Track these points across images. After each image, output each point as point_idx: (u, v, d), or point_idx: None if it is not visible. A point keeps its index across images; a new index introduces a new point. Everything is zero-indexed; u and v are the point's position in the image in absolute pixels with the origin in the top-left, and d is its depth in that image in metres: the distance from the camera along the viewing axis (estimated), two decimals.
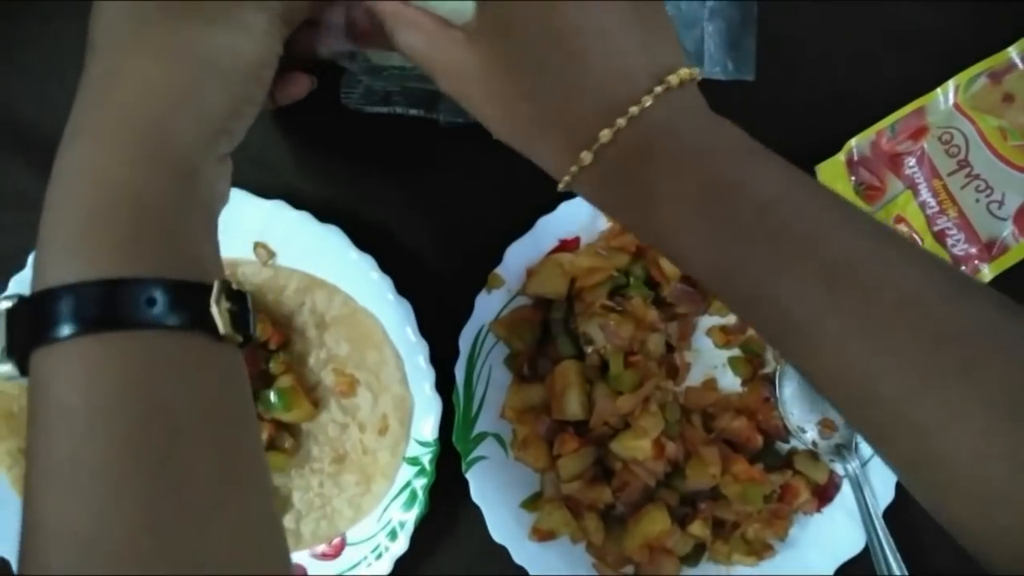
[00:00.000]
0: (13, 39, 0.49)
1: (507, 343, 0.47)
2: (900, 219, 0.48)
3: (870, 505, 0.46)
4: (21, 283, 0.45)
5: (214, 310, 0.28)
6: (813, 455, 0.48)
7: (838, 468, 0.48)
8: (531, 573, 0.45)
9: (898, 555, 0.45)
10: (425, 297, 0.46)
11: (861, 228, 0.29)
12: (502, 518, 0.46)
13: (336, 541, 0.47)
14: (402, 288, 0.46)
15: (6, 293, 0.45)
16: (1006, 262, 0.48)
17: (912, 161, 0.48)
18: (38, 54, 0.49)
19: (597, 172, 0.31)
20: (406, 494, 0.46)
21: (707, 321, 0.49)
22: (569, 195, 0.45)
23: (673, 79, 0.30)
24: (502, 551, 0.46)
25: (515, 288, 0.47)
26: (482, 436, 0.46)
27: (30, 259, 0.45)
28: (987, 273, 0.47)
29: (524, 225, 0.47)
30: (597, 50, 0.31)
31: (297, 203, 0.46)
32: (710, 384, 0.49)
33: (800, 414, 0.48)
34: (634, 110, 0.30)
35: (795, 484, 0.47)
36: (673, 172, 0.30)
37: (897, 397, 0.27)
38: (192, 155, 0.30)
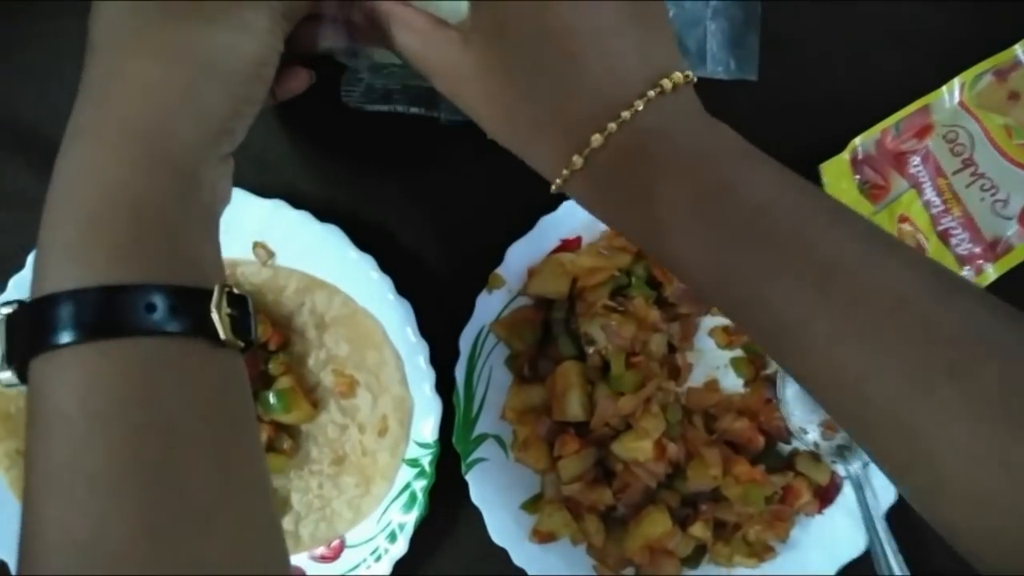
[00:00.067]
0: (13, 38, 0.48)
1: (508, 344, 0.47)
2: (904, 218, 0.47)
3: (871, 506, 0.45)
4: (20, 284, 0.45)
5: (214, 316, 0.28)
6: (815, 456, 0.47)
7: (840, 469, 0.47)
8: (531, 575, 0.45)
9: (900, 556, 0.44)
10: (425, 297, 0.46)
11: (853, 230, 0.29)
12: (502, 520, 0.46)
13: (335, 543, 0.47)
14: (402, 288, 0.46)
15: (5, 295, 0.45)
16: (1010, 261, 0.47)
17: (916, 160, 0.48)
18: (38, 53, 0.48)
19: (589, 175, 0.31)
20: (406, 496, 0.46)
21: (709, 321, 0.48)
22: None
23: (667, 83, 0.30)
24: (502, 553, 0.46)
25: (516, 288, 0.47)
26: (482, 437, 0.46)
27: (29, 259, 0.45)
28: (991, 272, 0.47)
29: (525, 225, 0.46)
30: (591, 52, 0.31)
31: (296, 202, 0.46)
32: (712, 385, 0.48)
33: (802, 415, 0.47)
34: (625, 114, 0.30)
35: (797, 485, 0.47)
36: (664, 176, 0.30)
37: (887, 399, 0.27)
38: (193, 156, 0.30)
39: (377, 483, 0.46)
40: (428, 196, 0.49)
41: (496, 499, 0.46)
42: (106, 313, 0.26)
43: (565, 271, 0.46)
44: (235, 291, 0.30)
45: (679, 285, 0.46)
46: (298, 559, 0.46)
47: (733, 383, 0.48)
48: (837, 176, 0.47)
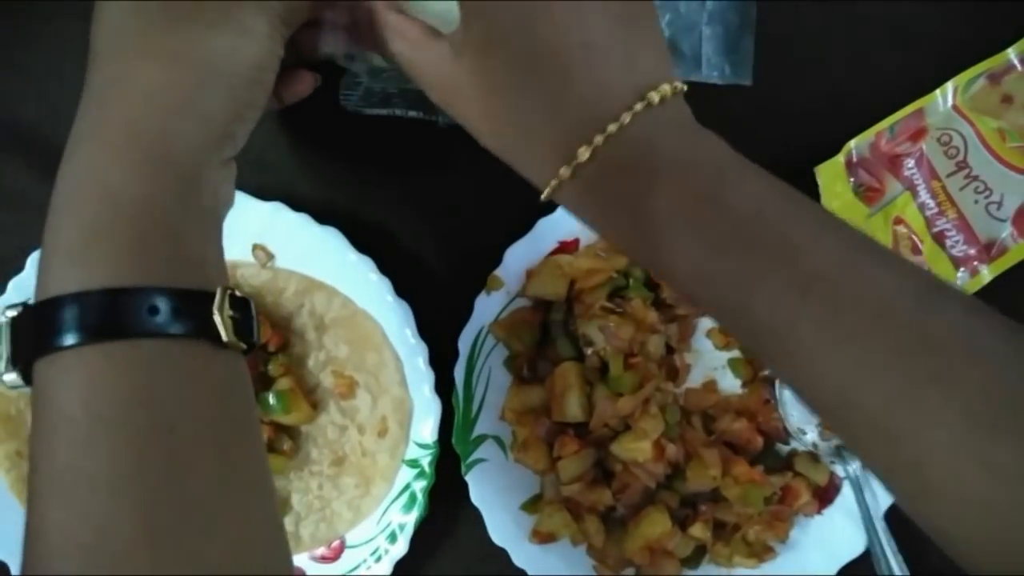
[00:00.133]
0: (13, 39, 0.49)
1: (507, 345, 0.47)
2: (899, 220, 0.48)
3: (871, 507, 0.45)
4: (20, 285, 0.45)
5: (217, 318, 0.28)
6: (813, 457, 0.48)
7: (838, 470, 0.47)
8: (531, 575, 0.45)
9: (899, 556, 0.44)
10: (424, 299, 0.46)
11: (839, 238, 0.29)
12: (502, 520, 0.46)
13: (335, 544, 0.47)
14: (401, 290, 0.46)
15: (5, 297, 0.45)
16: (1005, 263, 0.48)
17: (911, 162, 0.48)
18: (38, 54, 0.49)
19: (577, 186, 0.31)
20: (405, 496, 0.46)
21: (707, 323, 0.49)
22: None
23: (654, 95, 0.30)
24: (502, 553, 0.46)
25: (514, 290, 0.47)
26: (482, 438, 0.46)
27: (29, 260, 0.45)
28: (986, 274, 0.47)
29: (523, 227, 0.47)
30: (579, 66, 0.31)
31: (296, 205, 0.46)
32: (710, 386, 0.48)
33: (800, 416, 0.48)
34: (612, 127, 0.30)
35: (796, 486, 0.47)
36: (651, 186, 0.30)
37: (871, 405, 0.27)
38: (196, 160, 0.30)
39: (377, 484, 0.46)
40: (427, 198, 0.49)
41: (496, 500, 0.46)
42: (110, 315, 0.27)
43: (563, 273, 0.47)
44: (237, 294, 0.30)
45: None
46: (298, 560, 0.46)
47: (731, 384, 0.49)
48: (832, 179, 0.48)
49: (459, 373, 0.46)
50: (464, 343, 0.46)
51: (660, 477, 0.46)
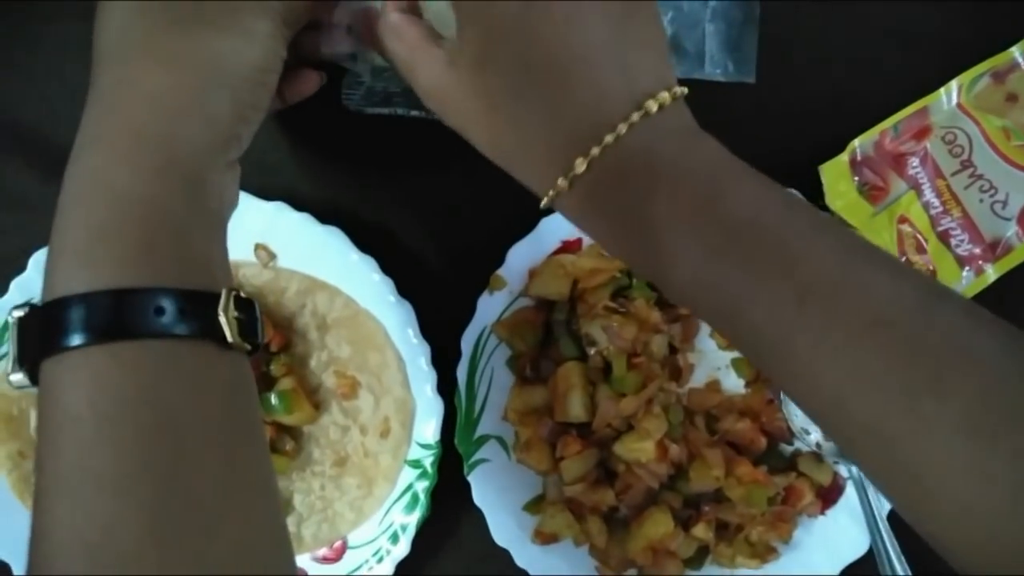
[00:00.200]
0: (14, 40, 0.49)
1: (509, 345, 0.47)
2: (904, 219, 0.47)
3: (874, 507, 0.45)
4: (22, 285, 0.45)
5: (222, 319, 0.29)
6: (817, 457, 0.47)
7: (842, 470, 0.47)
8: None
9: (902, 557, 0.44)
10: (427, 299, 0.46)
11: (835, 244, 0.29)
12: (504, 521, 0.46)
13: (337, 544, 0.47)
14: (403, 290, 0.46)
15: (7, 298, 0.45)
16: (1010, 262, 0.47)
17: (916, 161, 0.48)
18: (39, 55, 0.49)
19: (575, 195, 0.31)
20: (408, 497, 0.46)
21: None
22: None
23: (652, 104, 0.30)
24: (504, 554, 0.45)
25: (517, 289, 0.47)
26: (484, 438, 0.46)
27: (31, 261, 0.45)
28: (991, 273, 0.47)
29: (526, 226, 0.46)
30: (576, 77, 0.30)
31: (298, 205, 0.46)
32: (713, 386, 0.48)
33: (804, 416, 0.47)
34: (609, 138, 0.30)
35: (799, 486, 0.47)
36: (647, 197, 0.30)
37: (867, 413, 0.27)
38: (201, 163, 0.30)
39: (379, 484, 0.46)
40: (429, 198, 0.49)
41: (498, 500, 0.46)
42: (116, 316, 0.27)
43: (566, 272, 0.47)
44: (242, 294, 0.30)
45: None
46: (300, 560, 0.46)
47: (734, 384, 0.48)
48: (836, 177, 0.48)
49: (462, 373, 0.46)
50: (467, 343, 0.46)
51: (663, 477, 0.46)
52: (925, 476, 0.26)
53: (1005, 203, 0.47)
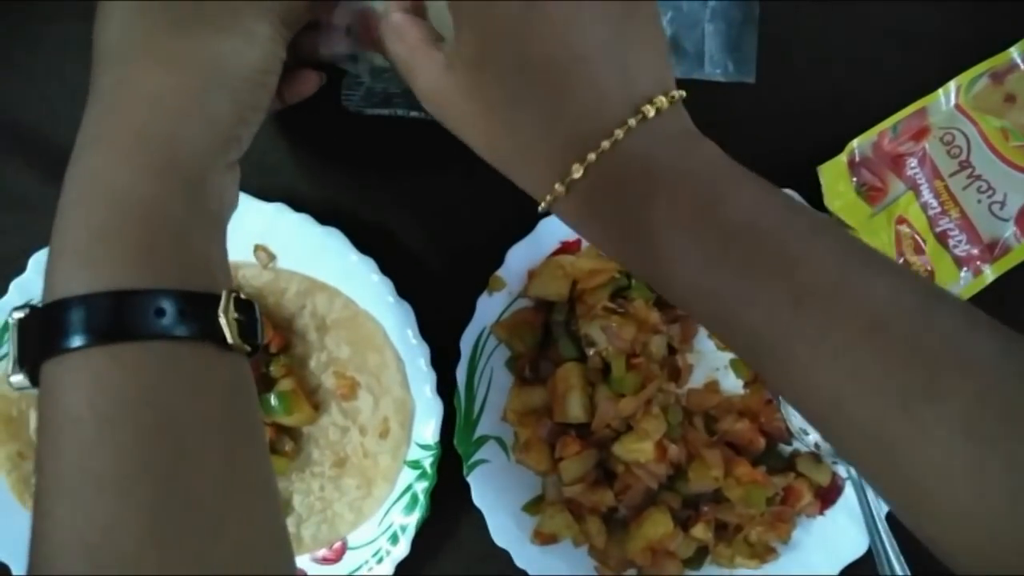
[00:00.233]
0: (14, 40, 0.49)
1: (508, 345, 0.47)
2: (902, 220, 0.48)
3: (873, 507, 0.45)
4: (22, 286, 0.45)
5: (222, 320, 0.29)
6: (816, 457, 0.47)
7: (841, 470, 0.47)
8: None
9: (901, 557, 0.44)
10: (426, 299, 0.46)
11: (833, 247, 0.29)
12: (503, 522, 0.46)
13: (337, 545, 0.47)
14: (403, 290, 0.46)
15: (7, 298, 0.45)
16: (1008, 263, 0.47)
17: (914, 162, 0.48)
18: (39, 55, 0.49)
19: (572, 200, 0.31)
20: (407, 498, 0.46)
21: None
22: None
23: (649, 109, 0.30)
24: (504, 555, 0.46)
25: (516, 290, 0.47)
26: (483, 439, 0.46)
27: (31, 262, 0.45)
28: (989, 274, 0.47)
29: (525, 227, 0.46)
30: (573, 82, 0.30)
31: (297, 205, 0.46)
32: (712, 386, 0.48)
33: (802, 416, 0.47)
34: (605, 144, 0.30)
35: (798, 486, 0.47)
36: (645, 202, 0.30)
37: (864, 418, 0.27)
38: (201, 163, 0.30)
39: (379, 485, 0.46)
40: (428, 199, 0.49)
41: (497, 501, 0.46)
42: (116, 317, 0.27)
43: (565, 273, 0.47)
44: (242, 296, 0.30)
45: None
46: (300, 561, 0.46)
47: (733, 384, 0.49)
48: (835, 178, 0.48)
49: (461, 374, 0.46)
50: (466, 344, 0.46)
51: (662, 478, 0.46)
52: (923, 479, 0.26)
53: (1003, 204, 0.47)
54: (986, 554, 0.26)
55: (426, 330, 0.46)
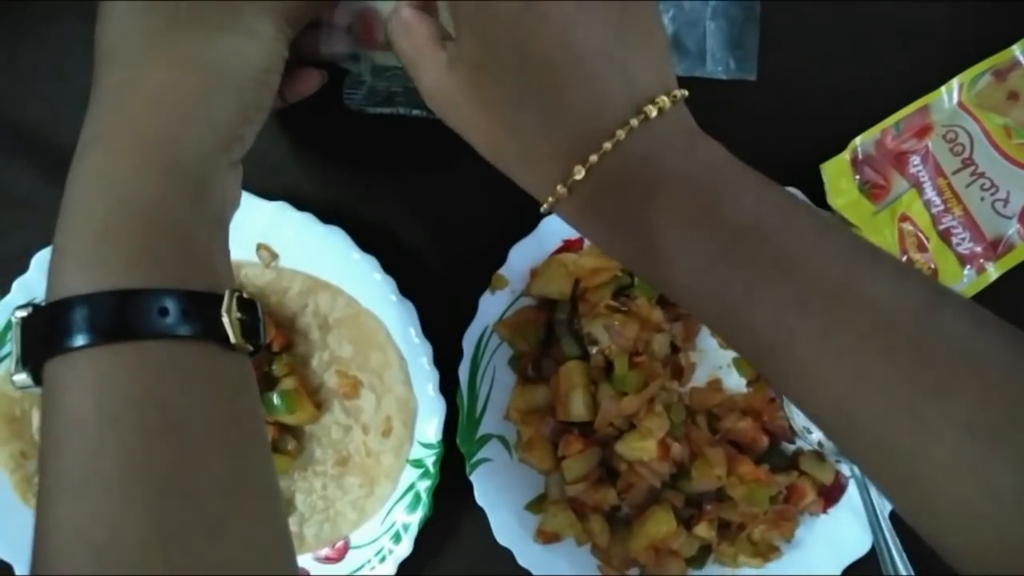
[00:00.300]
0: (15, 39, 0.49)
1: (511, 344, 0.47)
2: (905, 218, 0.47)
3: (876, 506, 0.45)
4: (24, 285, 0.45)
5: (225, 320, 0.29)
6: (819, 456, 0.47)
7: (844, 469, 0.47)
8: (535, 575, 0.45)
9: (905, 556, 0.44)
10: (428, 298, 0.46)
11: (837, 247, 0.28)
12: (506, 520, 0.46)
13: (339, 544, 0.47)
14: (405, 289, 0.46)
15: (9, 298, 0.45)
16: (1011, 260, 0.47)
17: (917, 159, 0.48)
18: (40, 54, 0.49)
19: (575, 201, 0.31)
20: (410, 496, 0.46)
21: None
22: None
23: (651, 109, 0.29)
24: (506, 553, 0.45)
25: (519, 289, 0.47)
26: (486, 438, 0.46)
27: (33, 261, 0.45)
28: (993, 272, 0.47)
29: (528, 225, 0.46)
30: (573, 83, 0.30)
31: (300, 204, 0.46)
32: (715, 385, 0.48)
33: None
34: (607, 145, 0.29)
35: (801, 485, 0.47)
36: (648, 203, 0.30)
37: (869, 420, 0.27)
38: (204, 163, 0.30)
39: (381, 484, 0.46)
40: (430, 197, 0.49)
41: (500, 499, 0.46)
42: (119, 317, 0.27)
43: (568, 271, 0.47)
44: (244, 295, 0.30)
45: None
46: (303, 560, 0.46)
47: (736, 383, 0.48)
48: (837, 176, 0.48)
49: (463, 372, 0.46)
50: (468, 342, 0.46)
51: (665, 476, 0.46)
52: (929, 479, 0.26)
53: (1006, 201, 0.47)
54: (992, 555, 0.26)
55: (428, 329, 0.46)
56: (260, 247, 0.47)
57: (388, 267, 0.46)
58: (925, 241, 0.47)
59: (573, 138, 0.30)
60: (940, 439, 0.26)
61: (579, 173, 0.30)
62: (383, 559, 0.45)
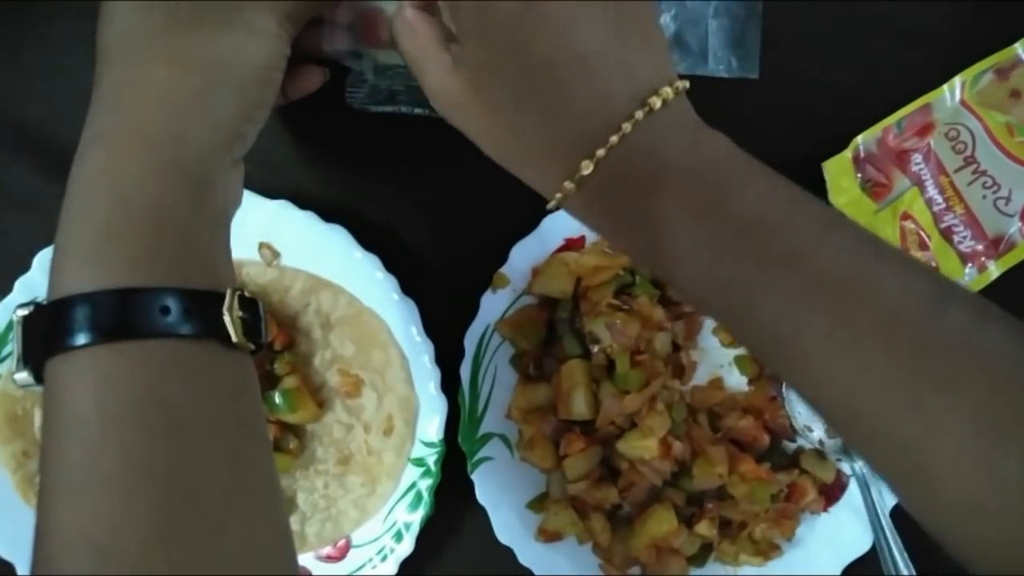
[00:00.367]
0: (16, 39, 0.48)
1: (513, 343, 0.47)
2: (907, 216, 0.47)
3: (877, 504, 0.45)
4: (26, 285, 0.45)
5: (226, 318, 0.29)
6: (820, 454, 0.47)
7: (845, 467, 0.47)
8: (537, 574, 0.45)
9: (905, 555, 0.44)
10: (430, 297, 0.46)
11: (843, 240, 0.28)
12: (508, 519, 0.46)
13: (341, 543, 0.47)
14: (407, 288, 0.46)
15: (13, 296, 0.45)
16: (1013, 259, 0.47)
17: (919, 158, 0.48)
18: (41, 54, 0.49)
19: (583, 196, 0.31)
20: (411, 495, 0.46)
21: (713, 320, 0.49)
22: None
23: (655, 101, 0.30)
24: (508, 552, 0.45)
25: (520, 287, 0.47)
26: (488, 436, 0.46)
27: (35, 260, 0.45)
28: (994, 270, 0.47)
29: (529, 224, 0.46)
30: (576, 80, 0.30)
31: (302, 203, 0.46)
32: (716, 383, 0.48)
33: (807, 413, 0.47)
34: (614, 139, 0.29)
35: (802, 483, 0.47)
36: (655, 195, 0.30)
37: (877, 413, 0.27)
38: (206, 162, 0.30)
39: (383, 482, 0.46)
40: (432, 196, 0.49)
41: (502, 498, 0.46)
42: (121, 315, 0.27)
43: (569, 270, 0.47)
44: (246, 294, 0.30)
45: None
46: (304, 559, 0.46)
47: (737, 381, 0.48)
48: (839, 174, 0.48)
49: (465, 371, 0.46)
50: (470, 341, 0.46)
51: (666, 475, 0.46)
52: (934, 473, 0.26)
53: (1008, 199, 0.47)
54: (998, 549, 0.26)
55: (430, 327, 0.46)
56: (262, 246, 0.47)
57: (390, 266, 0.46)
58: (927, 239, 0.47)
59: (578, 135, 0.30)
60: (946, 432, 0.26)
61: (587, 168, 0.30)
62: (384, 558, 0.45)
